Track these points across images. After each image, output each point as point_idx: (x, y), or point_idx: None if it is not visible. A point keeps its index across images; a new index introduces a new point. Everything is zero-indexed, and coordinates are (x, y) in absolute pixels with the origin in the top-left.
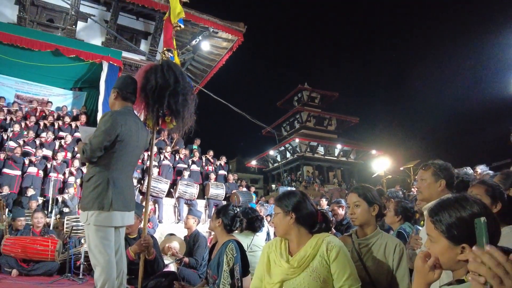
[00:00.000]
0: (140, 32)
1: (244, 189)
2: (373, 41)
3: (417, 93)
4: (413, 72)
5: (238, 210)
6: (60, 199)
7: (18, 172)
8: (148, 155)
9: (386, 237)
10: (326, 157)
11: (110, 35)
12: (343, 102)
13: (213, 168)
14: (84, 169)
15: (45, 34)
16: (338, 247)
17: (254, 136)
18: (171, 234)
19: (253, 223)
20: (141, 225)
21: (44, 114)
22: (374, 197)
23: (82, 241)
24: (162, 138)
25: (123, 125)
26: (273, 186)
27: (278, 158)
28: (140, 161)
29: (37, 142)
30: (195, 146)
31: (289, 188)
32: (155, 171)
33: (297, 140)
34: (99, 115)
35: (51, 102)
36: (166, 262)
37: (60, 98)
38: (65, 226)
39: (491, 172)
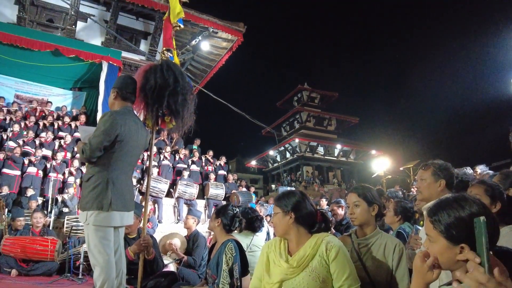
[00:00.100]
0: (139, 32)
1: (244, 189)
2: (373, 41)
3: (417, 93)
4: (413, 72)
5: (238, 210)
6: (59, 199)
7: (18, 172)
8: (147, 155)
9: (386, 237)
10: (326, 157)
11: (109, 35)
12: (343, 102)
13: (213, 168)
14: (84, 169)
15: (44, 34)
16: (337, 247)
17: (254, 136)
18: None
19: (253, 223)
20: (141, 225)
21: (43, 114)
22: (373, 197)
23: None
24: (162, 138)
25: (123, 125)
26: (273, 186)
27: (278, 158)
28: (139, 161)
29: (37, 142)
30: (195, 146)
31: (288, 188)
32: (154, 171)
33: (297, 140)
34: (99, 115)
35: (50, 102)
36: (165, 262)
37: (60, 98)
38: (64, 226)
39: (490, 172)
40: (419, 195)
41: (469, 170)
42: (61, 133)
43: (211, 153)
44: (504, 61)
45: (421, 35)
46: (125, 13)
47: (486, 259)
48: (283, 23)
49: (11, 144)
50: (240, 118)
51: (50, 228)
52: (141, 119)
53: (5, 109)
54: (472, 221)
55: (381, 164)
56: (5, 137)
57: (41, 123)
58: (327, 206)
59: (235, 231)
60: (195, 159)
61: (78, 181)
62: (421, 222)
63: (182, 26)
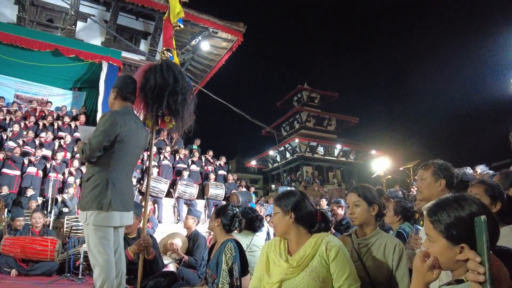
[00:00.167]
0: (139, 32)
1: (244, 189)
2: (373, 41)
3: (417, 93)
4: (413, 72)
5: (237, 210)
6: (59, 199)
7: (18, 172)
8: (147, 155)
9: (386, 237)
10: (325, 157)
11: (109, 35)
12: (342, 102)
13: (213, 168)
14: (84, 169)
15: (44, 34)
16: (337, 247)
17: (253, 136)
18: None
19: (253, 223)
20: (141, 225)
21: (43, 114)
22: (373, 197)
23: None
24: (162, 138)
25: (123, 125)
26: (273, 186)
27: (278, 158)
28: (139, 161)
29: (37, 142)
30: (195, 146)
31: (288, 188)
32: (154, 171)
33: (296, 140)
34: (99, 115)
35: (50, 102)
36: (165, 262)
37: (60, 98)
38: (64, 226)
39: (491, 172)
40: (419, 195)
41: (469, 170)
42: (61, 133)
43: (211, 153)
44: (504, 61)
45: (421, 35)
46: (125, 13)
47: (486, 259)
48: (283, 23)
49: (11, 144)
50: (240, 118)
51: (50, 228)
52: (141, 119)
53: (5, 109)
54: (472, 221)
55: (381, 164)
56: (5, 137)
57: (41, 123)
58: (327, 206)
59: (235, 231)
60: (195, 159)
61: (78, 181)
62: (421, 222)
63: (182, 26)
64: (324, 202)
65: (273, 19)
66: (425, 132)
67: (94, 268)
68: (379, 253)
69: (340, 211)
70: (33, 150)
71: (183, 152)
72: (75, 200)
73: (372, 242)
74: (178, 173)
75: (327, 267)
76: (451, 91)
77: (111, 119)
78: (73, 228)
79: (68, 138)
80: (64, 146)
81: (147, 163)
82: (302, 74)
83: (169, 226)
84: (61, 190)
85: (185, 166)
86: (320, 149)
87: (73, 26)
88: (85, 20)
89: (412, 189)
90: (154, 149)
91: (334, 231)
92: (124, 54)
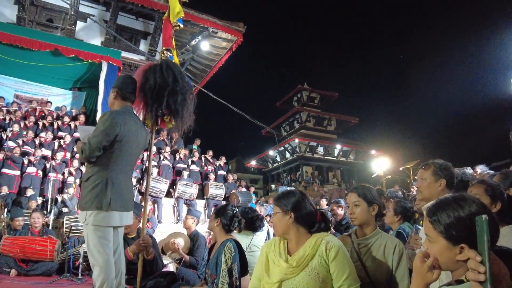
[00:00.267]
0: (139, 32)
1: (244, 189)
2: (373, 41)
3: (416, 93)
4: (413, 72)
5: (237, 210)
6: (59, 199)
7: (17, 172)
8: (147, 155)
9: (386, 237)
10: (325, 157)
11: (109, 35)
12: (342, 102)
13: (213, 168)
14: (83, 169)
15: (44, 34)
16: (337, 247)
17: (253, 136)
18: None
19: (253, 223)
20: (140, 225)
21: (43, 114)
22: (373, 197)
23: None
24: (162, 138)
25: (122, 125)
26: (273, 186)
27: (278, 158)
28: (139, 161)
29: (36, 142)
30: (194, 146)
31: (288, 188)
32: (154, 171)
33: (296, 140)
34: (99, 115)
35: (50, 102)
36: (165, 262)
37: (60, 98)
38: (64, 226)
39: (491, 171)
40: (419, 195)
41: (469, 170)
42: (60, 133)
43: (210, 153)
44: (504, 61)
45: (421, 35)
46: (124, 13)
47: (487, 258)
48: (283, 23)
49: (11, 144)
50: (240, 118)
51: (50, 228)
52: (141, 118)
53: (4, 109)
54: (472, 221)
55: (381, 164)
56: (4, 137)
57: (40, 123)
58: (327, 206)
59: (235, 231)
60: (194, 159)
61: (77, 181)
62: (421, 222)
63: (181, 25)
64: (324, 202)
65: (273, 19)
66: (425, 132)
67: (94, 268)
68: (379, 253)
69: (340, 211)
70: (33, 150)
71: (183, 152)
72: (75, 200)
73: (372, 242)
74: (178, 173)
75: (326, 267)
76: (451, 91)
77: (110, 119)
78: (73, 228)
79: (68, 138)
80: (63, 146)
81: (147, 163)
82: (302, 74)
83: (168, 226)
84: (60, 190)
85: (185, 166)
86: (320, 149)
87: (73, 26)
88: (85, 20)
89: (412, 189)
90: (154, 149)
91: (334, 231)
92: (124, 54)
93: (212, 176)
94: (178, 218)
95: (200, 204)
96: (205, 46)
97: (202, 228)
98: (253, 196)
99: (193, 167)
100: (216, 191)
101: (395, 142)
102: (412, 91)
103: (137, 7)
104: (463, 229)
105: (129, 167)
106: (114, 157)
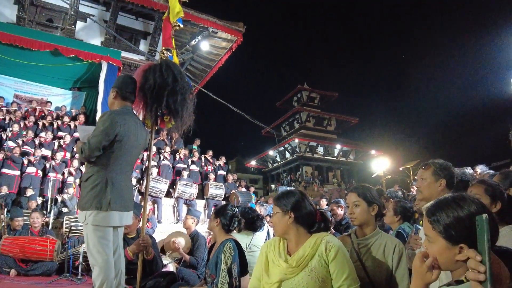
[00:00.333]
0: (139, 32)
1: (244, 189)
2: (373, 41)
3: (416, 93)
4: (413, 72)
5: (236, 209)
6: (59, 199)
7: (17, 172)
8: (147, 155)
9: (386, 237)
10: (325, 157)
11: (109, 35)
12: (342, 102)
13: (212, 168)
14: (83, 169)
15: (44, 34)
16: (337, 247)
17: (253, 136)
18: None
19: (254, 223)
20: (140, 225)
21: (43, 114)
22: (373, 197)
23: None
24: (161, 138)
25: (122, 125)
26: (273, 186)
27: (278, 158)
28: (139, 161)
29: (36, 142)
30: (194, 146)
31: (288, 188)
32: (154, 171)
33: (296, 140)
34: (98, 115)
35: (50, 102)
36: (164, 262)
37: (59, 98)
38: (64, 226)
39: (491, 171)
40: (419, 195)
41: (469, 170)
42: (60, 133)
43: (210, 153)
44: (504, 61)
45: (421, 35)
46: (124, 13)
47: (487, 258)
48: (283, 23)
49: (11, 144)
50: (240, 118)
51: (49, 228)
52: (140, 118)
53: (4, 109)
54: (471, 221)
55: (380, 164)
56: (4, 137)
57: (40, 123)
58: (327, 206)
59: (234, 231)
60: (194, 159)
61: (77, 181)
62: (421, 222)
63: (181, 25)
64: (324, 202)
65: (273, 19)
66: (425, 132)
67: (93, 268)
68: (379, 253)
69: (340, 211)
70: (33, 150)
71: (183, 152)
72: (75, 200)
73: (371, 242)
74: (178, 173)
75: (326, 267)
76: (451, 91)
77: (110, 119)
78: (73, 228)
79: (68, 138)
80: (63, 146)
81: (147, 163)
82: (302, 74)
83: (168, 226)
84: (60, 190)
85: (185, 166)
86: (320, 149)
87: (73, 26)
88: (85, 20)
89: (412, 189)
90: (154, 149)
91: (333, 231)
92: (124, 54)
93: (212, 176)
94: (178, 218)
95: (200, 204)
96: (205, 46)
97: (202, 228)
98: (253, 196)
99: (193, 167)
100: (216, 191)
101: (395, 142)
102: (412, 91)
103: (137, 7)
104: (462, 229)
105: (129, 167)
106: (114, 157)
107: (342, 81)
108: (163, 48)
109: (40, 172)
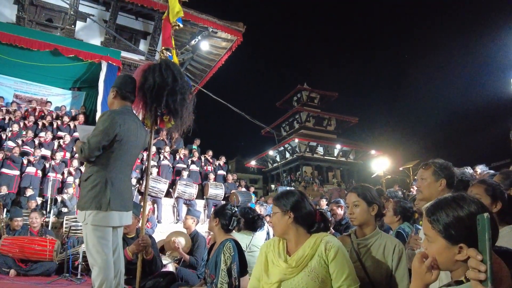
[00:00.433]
0: (139, 32)
1: (243, 189)
2: (373, 41)
3: (416, 93)
4: (412, 72)
5: (236, 209)
6: (59, 199)
7: (17, 172)
8: (147, 155)
9: (385, 237)
10: (325, 157)
11: (109, 35)
12: (342, 102)
13: (212, 168)
14: (83, 169)
15: (44, 34)
16: (336, 247)
17: (253, 136)
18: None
19: (253, 223)
20: (139, 225)
21: (43, 114)
22: (373, 197)
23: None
24: (161, 138)
25: (122, 125)
26: (273, 186)
27: (278, 158)
28: (139, 161)
29: (36, 142)
30: (194, 146)
31: (288, 188)
32: (154, 171)
33: (296, 140)
34: (98, 115)
35: (50, 102)
36: (164, 262)
37: (59, 98)
38: (63, 226)
39: (491, 171)
40: (419, 195)
41: (469, 170)
42: (60, 133)
43: (210, 153)
44: (504, 61)
45: (421, 35)
46: (124, 13)
47: (488, 257)
48: (283, 23)
49: (10, 144)
50: (239, 118)
51: (49, 228)
52: (140, 118)
53: (4, 109)
54: (471, 221)
55: (380, 164)
56: (4, 137)
57: (40, 123)
58: (327, 206)
59: (234, 231)
60: (194, 159)
61: (77, 181)
62: (421, 222)
63: (181, 25)
64: (323, 202)
65: (273, 19)
66: (425, 132)
67: (93, 268)
68: (379, 254)
69: (340, 211)
70: (32, 150)
71: (183, 152)
72: (74, 200)
73: (371, 243)
74: (178, 173)
75: (326, 267)
76: (451, 91)
77: (110, 119)
78: (72, 228)
79: (68, 138)
80: (63, 146)
81: (147, 163)
82: (302, 74)
83: (168, 226)
84: (60, 190)
85: (185, 166)
86: (320, 149)
87: (73, 26)
88: (85, 20)
89: (411, 189)
90: (154, 149)
91: (333, 231)
92: (124, 54)
93: (211, 176)
94: (177, 218)
95: (199, 204)
96: (204, 46)
97: (202, 228)
98: (253, 196)
99: (193, 167)
100: (216, 191)
101: (395, 142)
102: (412, 91)
103: (136, 7)
104: (462, 229)
105: (129, 167)
106: (114, 156)
107: (342, 81)
108: (163, 48)
109: (39, 172)
